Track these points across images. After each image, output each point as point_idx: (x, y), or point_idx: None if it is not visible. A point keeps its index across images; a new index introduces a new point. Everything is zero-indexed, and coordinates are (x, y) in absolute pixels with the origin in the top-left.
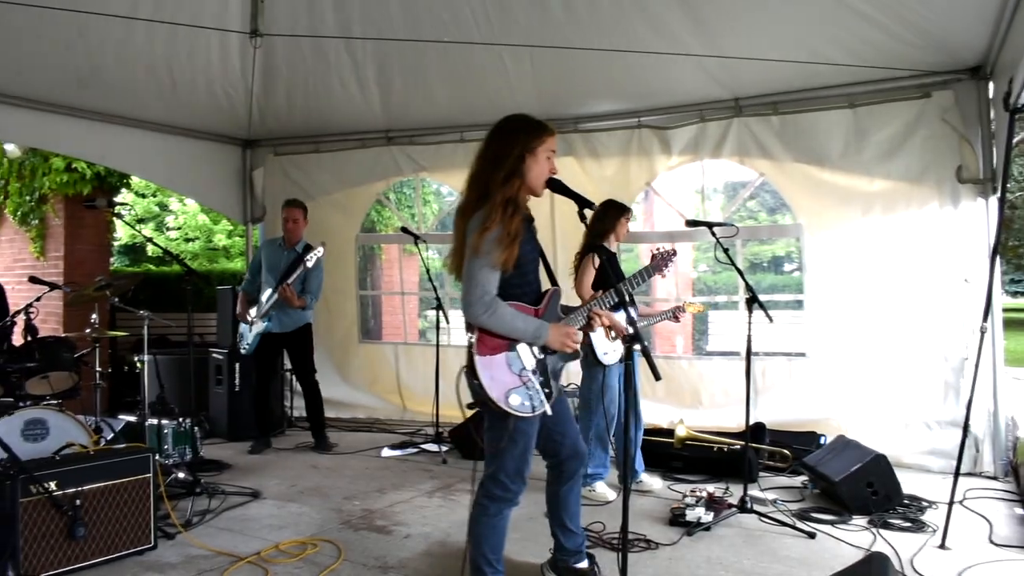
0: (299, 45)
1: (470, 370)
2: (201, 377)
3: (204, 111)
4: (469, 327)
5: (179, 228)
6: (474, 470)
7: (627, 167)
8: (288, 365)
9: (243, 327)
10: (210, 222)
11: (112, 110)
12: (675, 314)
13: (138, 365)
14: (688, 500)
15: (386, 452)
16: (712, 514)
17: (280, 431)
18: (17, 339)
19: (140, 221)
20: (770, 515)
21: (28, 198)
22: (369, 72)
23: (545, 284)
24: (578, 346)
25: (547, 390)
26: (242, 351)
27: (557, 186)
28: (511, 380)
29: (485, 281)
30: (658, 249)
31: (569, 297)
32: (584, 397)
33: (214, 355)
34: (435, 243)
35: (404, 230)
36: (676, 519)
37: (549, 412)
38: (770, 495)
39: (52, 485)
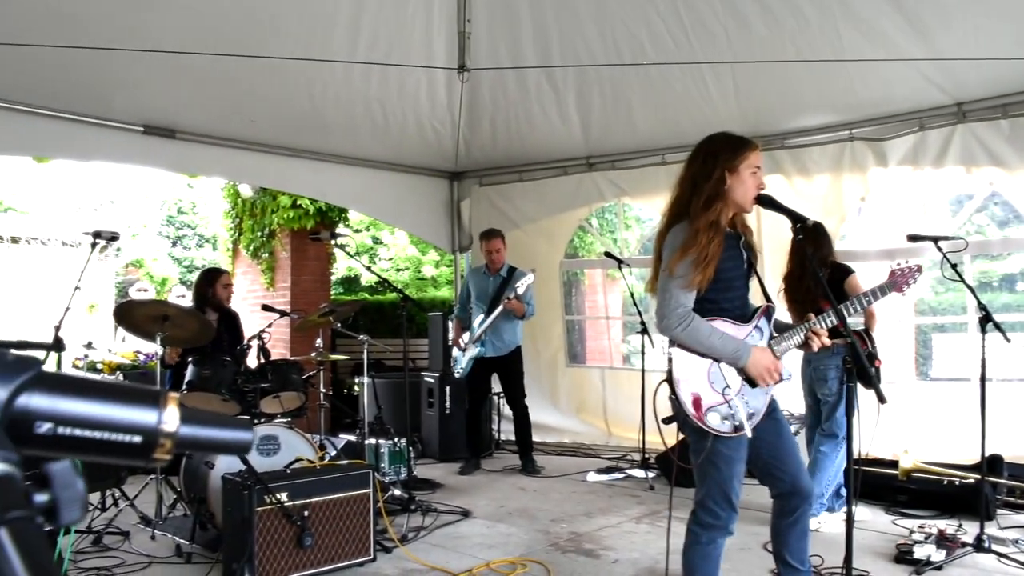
0: (501, 77)
1: (669, 385)
2: (414, 400)
3: (414, 146)
4: (671, 343)
5: (391, 260)
6: (670, 495)
7: (839, 182)
8: (496, 388)
9: (456, 352)
10: (419, 253)
11: (331, 150)
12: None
13: (356, 388)
14: (916, 536)
15: (592, 476)
16: (943, 553)
17: (488, 453)
18: (252, 361)
19: (355, 254)
20: (1011, 556)
21: (259, 233)
22: (570, 99)
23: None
24: (777, 380)
25: (752, 412)
26: (456, 375)
27: (767, 202)
28: (711, 397)
29: (680, 295)
30: (899, 264)
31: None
32: (829, 427)
33: (426, 379)
34: (638, 267)
35: (608, 255)
36: (902, 556)
37: (749, 434)
38: (1011, 534)
39: (283, 496)
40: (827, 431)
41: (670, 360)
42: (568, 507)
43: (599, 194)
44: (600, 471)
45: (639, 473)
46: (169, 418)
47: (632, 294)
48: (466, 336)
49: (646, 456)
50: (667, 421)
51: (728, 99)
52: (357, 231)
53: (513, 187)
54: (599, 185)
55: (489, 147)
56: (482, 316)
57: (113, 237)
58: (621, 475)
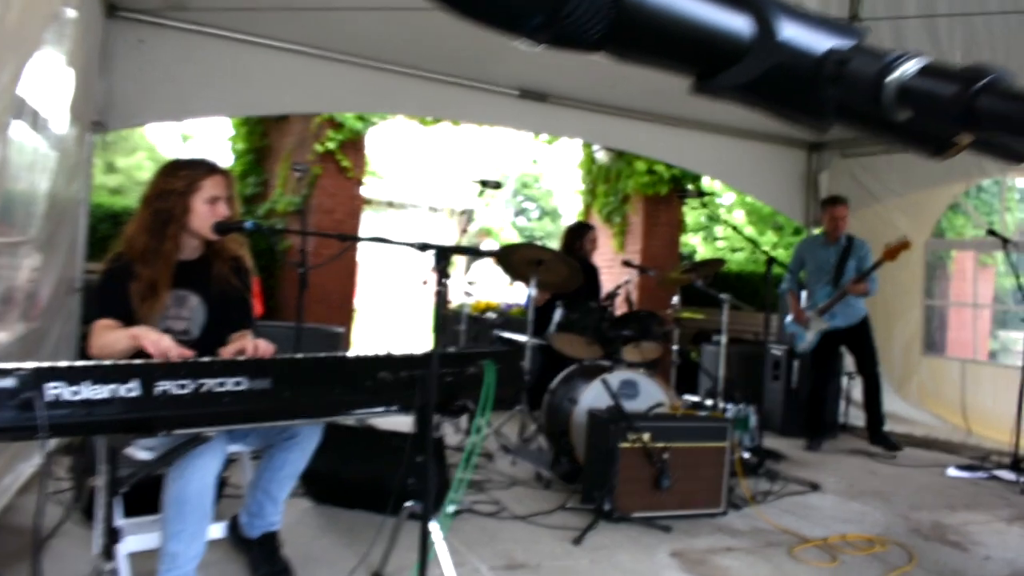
0: (875, 34)
1: None
2: (759, 370)
3: None
4: None
5: (726, 239)
6: None
7: None
8: (847, 368)
9: (793, 327)
10: (755, 233)
11: (688, 115)
12: None
13: (693, 355)
14: None
15: (952, 471)
16: None
17: (833, 435)
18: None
19: (694, 230)
20: None
21: (613, 198)
22: (954, 60)
23: None
24: None
25: None
26: (799, 350)
27: None
28: None
29: None
30: None
31: None
32: None
33: (773, 351)
34: (1022, 252)
35: (991, 232)
36: None
37: None
38: None
39: (646, 437)
40: None
41: None
42: (927, 497)
43: (979, 168)
44: (961, 467)
45: (1007, 475)
46: None
47: (1019, 278)
48: (809, 311)
49: (1019, 459)
50: None
51: None
52: (693, 208)
53: (878, 159)
54: (980, 158)
55: None
56: (829, 288)
57: (497, 185)
58: (985, 475)
